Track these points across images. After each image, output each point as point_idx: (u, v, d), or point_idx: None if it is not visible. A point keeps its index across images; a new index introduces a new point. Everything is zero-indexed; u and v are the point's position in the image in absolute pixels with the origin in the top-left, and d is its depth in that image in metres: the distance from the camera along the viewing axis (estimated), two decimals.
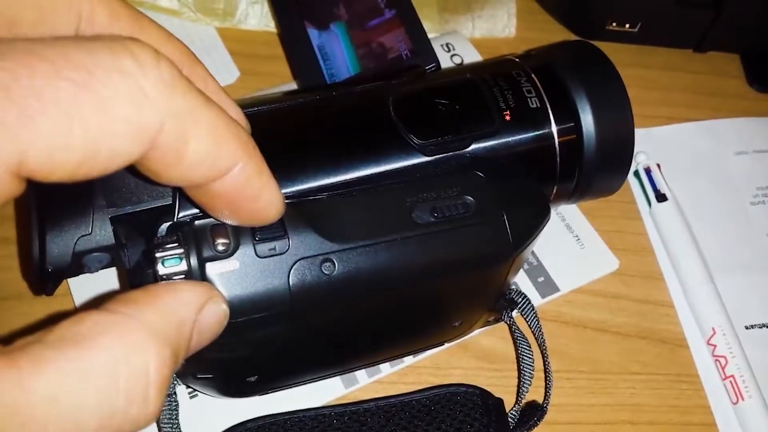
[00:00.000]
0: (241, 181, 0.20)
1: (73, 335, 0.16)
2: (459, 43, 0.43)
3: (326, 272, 0.24)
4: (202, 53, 0.42)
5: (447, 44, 0.43)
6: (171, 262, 0.23)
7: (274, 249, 0.24)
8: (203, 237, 0.24)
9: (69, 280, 0.33)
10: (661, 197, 0.39)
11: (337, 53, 0.36)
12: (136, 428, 0.17)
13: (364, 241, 0.25)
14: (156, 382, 0.17)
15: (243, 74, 0.42)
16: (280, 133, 0.29)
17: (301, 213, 0.25)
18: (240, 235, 0.24)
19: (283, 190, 0.27)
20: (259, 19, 0.43)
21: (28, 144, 0.15)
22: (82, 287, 0.33)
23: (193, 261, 0.23)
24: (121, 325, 0.17)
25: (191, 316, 0.20)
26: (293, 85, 0.40)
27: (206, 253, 0.23)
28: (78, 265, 0.25)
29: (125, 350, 0.17)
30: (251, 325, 0.24)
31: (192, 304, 0.20)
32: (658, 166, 0.40)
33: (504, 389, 0.33)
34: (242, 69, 0.42)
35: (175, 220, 0.25)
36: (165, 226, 0.25)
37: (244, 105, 0.31)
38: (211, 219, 0.24)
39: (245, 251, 0.24)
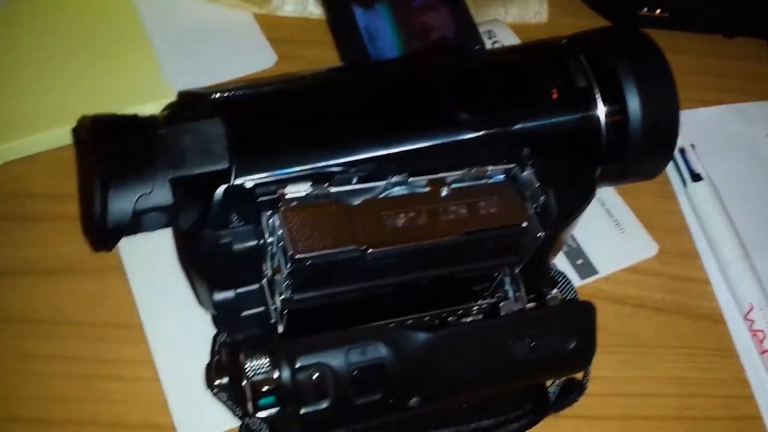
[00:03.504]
0: None
1: None
2: (500, 30, 0.44)
3: None
4: (240, 39, 0.43)
5: (488, 31, 0.44)
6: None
7: None
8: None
9: (121, 249, 0.34)
10: (696, 177, 0.40)
11: (382, 34, 0.36)
12: None
13: None
14: None
15: (280, 59, 0.42)
16: (331, 106, 0.29)
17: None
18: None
19: (333, 161, 0.28)
20: (295, 5, 0.44)
21: None
22: (134, 255, 0.34)
23: None
24: None
25: None
26: None
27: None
28: (137, 223, 0.26)
29: None
30: None
31: None
32: (693, 146, 0.41)
33: None
34: (279, 54, 0.42)
35: (231, 183, 0.26)
36: (221, 189, 0.26)
37: (292, 79, 0.32)
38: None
39: None
